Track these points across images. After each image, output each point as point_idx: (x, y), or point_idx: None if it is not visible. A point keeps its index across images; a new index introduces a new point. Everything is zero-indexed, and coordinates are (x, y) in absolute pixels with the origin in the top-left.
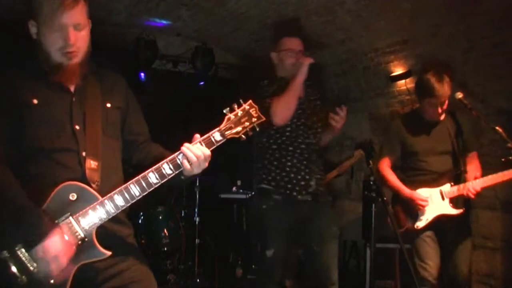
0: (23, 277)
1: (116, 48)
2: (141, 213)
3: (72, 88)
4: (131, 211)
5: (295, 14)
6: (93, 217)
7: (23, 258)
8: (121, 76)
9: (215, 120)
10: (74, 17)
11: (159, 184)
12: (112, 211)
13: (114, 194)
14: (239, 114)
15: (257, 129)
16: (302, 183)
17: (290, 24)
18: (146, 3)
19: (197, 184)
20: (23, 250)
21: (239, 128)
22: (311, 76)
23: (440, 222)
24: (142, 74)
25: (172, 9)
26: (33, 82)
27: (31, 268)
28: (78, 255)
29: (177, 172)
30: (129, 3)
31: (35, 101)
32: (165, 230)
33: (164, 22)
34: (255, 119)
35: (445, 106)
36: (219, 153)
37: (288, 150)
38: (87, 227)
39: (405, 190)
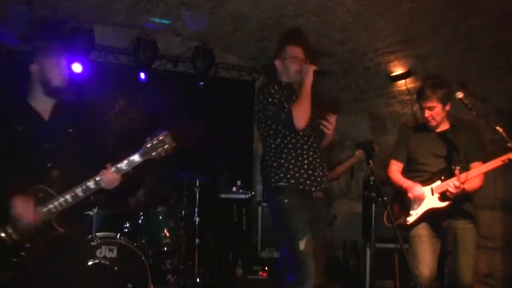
0: (15, 235)
1: (116, 48)
2: (141, 213)
3: (46, 117)
4: (131, 212)
5: (295, 14)
6: (51, 207)
7: (16, 223)
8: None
9: (215, 120)
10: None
11: (87, 194)
12: (64, 204)
13: (65, 194)
14: (154, 142)
15: (170, 152)
16: (318, 179)
17: (293, 34)
18: (146, 3)
19: (197, 184)
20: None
21: (154, 153)
22: (316, 83)
23: (433, 216)
24: (142, 74)
25: (172, 9)
26: (18, 113)
27: (19, 227)
28: (41, 230)
29: (98, 187)
30: (129, 3)
31: (19, 129)
32: (165, 230)
33: (164, 22)
34: (167, 146)
35: (434, 113)
36: (219, 154)
37: (303, 148)
38: (47, 213)
39: (406, 182)
